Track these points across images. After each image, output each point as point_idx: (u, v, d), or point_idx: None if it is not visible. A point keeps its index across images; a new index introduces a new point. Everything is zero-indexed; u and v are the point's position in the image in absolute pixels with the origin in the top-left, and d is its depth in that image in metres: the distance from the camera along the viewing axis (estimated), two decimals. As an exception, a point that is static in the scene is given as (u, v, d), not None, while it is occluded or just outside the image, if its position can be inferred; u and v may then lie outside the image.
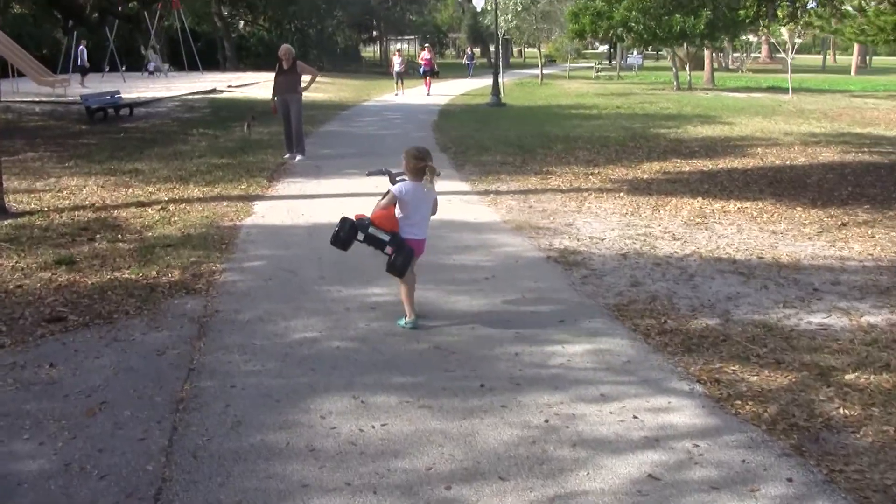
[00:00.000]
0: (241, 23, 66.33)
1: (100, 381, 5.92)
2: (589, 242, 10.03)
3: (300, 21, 60.90)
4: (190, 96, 33.02)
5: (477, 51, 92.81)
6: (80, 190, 13.52)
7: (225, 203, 12.30)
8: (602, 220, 11.31)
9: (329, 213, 11.29)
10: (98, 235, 10.28)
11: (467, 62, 58.24)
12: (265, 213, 11.57)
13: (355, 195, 12.44)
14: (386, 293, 7.89)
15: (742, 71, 63.17)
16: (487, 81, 46.58)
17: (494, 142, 19.50)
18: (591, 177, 14.96)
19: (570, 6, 44.06)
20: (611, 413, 5.39)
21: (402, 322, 7.12)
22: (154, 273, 8.57)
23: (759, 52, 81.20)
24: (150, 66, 45.99)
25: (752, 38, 59.66)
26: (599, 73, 58.75)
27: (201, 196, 12.92)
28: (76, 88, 31.72)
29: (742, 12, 41.30)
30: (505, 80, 48.92)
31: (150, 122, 24.85)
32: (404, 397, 5.61)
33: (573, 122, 25.11)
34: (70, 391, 5.76)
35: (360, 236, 7.10)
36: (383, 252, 7.12)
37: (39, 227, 10.75)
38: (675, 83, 42.43)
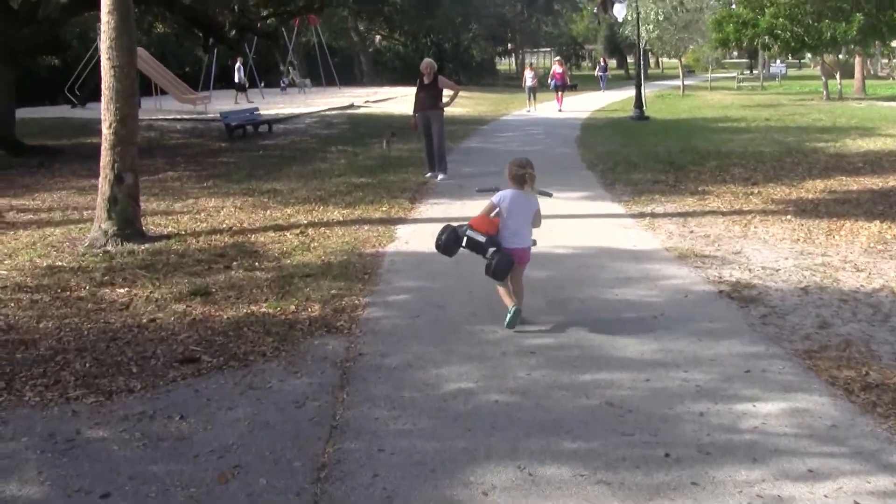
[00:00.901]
0: (377, 37, 66.59)
1: (233, 438, 5.32)
2: (762, 274, 9.08)
3: (436, 35, 60.65)
4: (328, 112, 32.88)
5: (613, 62, 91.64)
6: (217, 212, 13.15)
7: (366, 227, 11.73)
8: (772, 248, 10.33)
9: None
10: (235, 263, 9.80)
11: (600, 74, 54.72)
12: (409, 239, 10.94)
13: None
14: (545, 334, 7.14)
15: (894, 78, 60.42)
16: (622, 94, 45.68)
17: (643, 158, 18.55)
18: (751, 197, 13.92)
19: (714, 15, 42.79)
20: (826, 497, 4.51)
21: (507, 315, 7.27)
22: (293, 307, 7.99)
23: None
24: (284, 82, 46.22)
25: (903, 44, 56.79)
26: (742, 84, 56.90)
27: (341, 219, 12.38)
28: (216, 105, 31.88)
29: (899, 15, 39.55)
30: (645, 91, 47.93)
31: (289, 139, 24.65)
32: (578, 469, 4.83)
33: (722, 135, 23.90)
34: (201, 450, 5.17)
35: (463, 241, 7.33)
36: (484, 257, 7.27)
37: (176, 253, 10.34)
38: (824, 93, 40.56)
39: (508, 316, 7.23)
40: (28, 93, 31.79)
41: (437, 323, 7.56)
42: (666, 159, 18.26)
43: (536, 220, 7.47)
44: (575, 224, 11.86)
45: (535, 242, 7.62)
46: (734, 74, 67.90)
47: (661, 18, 43.38)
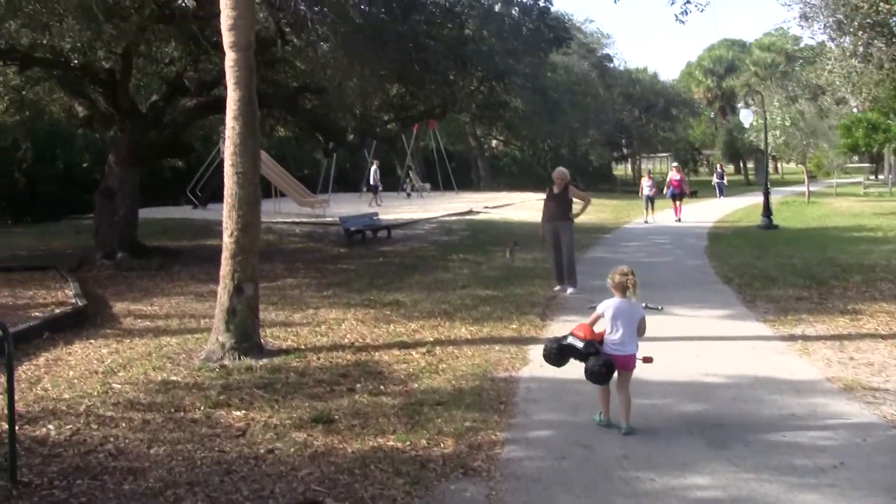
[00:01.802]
0: (494, 142, 66.64)
1: None
2: (947, 412, 8.06)
3: (554, 140, 60.37)
4: (446, 218, 32.52)
5: (730, 168, 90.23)
6: (338, 324, 12.57)
7: (497, 347, 10.96)
8: (950, 380, 9.28)
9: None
10: (358, 385, 9.13)
11: (717, 181, 51.86)
12: (543, 362, 10.11)
13: (642, 339, 10.87)
14: (713, 487, 6.25)
15: None
16: (742, 201, 44.41)
17: (780, 271, 17.50)
18: (910, 317, 12.84)
19: (843, 120, 41.62)
20: None
21: (597, 417, 7.71)
22: (423, 441, 7.24)
23: None
24: (406, 187, 46.24)
25: None
26: (868, 189, 55.02)
27: (469, 337, 11.66)
28: (335, 208, 31.77)
29: None
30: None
31: (409, 246, 24.21)
32: None
33: (860, 246, 22.64)
34: None
35: (559, 345, 7.76)
36: (583, 361, 7.55)
37: (296, 371, 9.73)
38: (964, 201, 38.84)
39: (596, 419, 7.70)
40: (151, 193, 32.18)
41: (585, 467, 6.72)
42: (805, 273, 17.18)
43: (641, 327, 7.66)
44: (722, 348, 10.92)
45: (650, 360, 7.81)
46: (859, 180, 65.99)
47: (787, 124, 42.30)
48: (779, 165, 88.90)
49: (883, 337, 11.44)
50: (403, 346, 11.07)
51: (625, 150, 76.59)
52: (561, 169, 15.99)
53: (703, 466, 6.62)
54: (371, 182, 39.79)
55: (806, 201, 44.07)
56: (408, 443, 7.20)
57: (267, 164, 32.07)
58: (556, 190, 15.47)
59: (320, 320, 12.93)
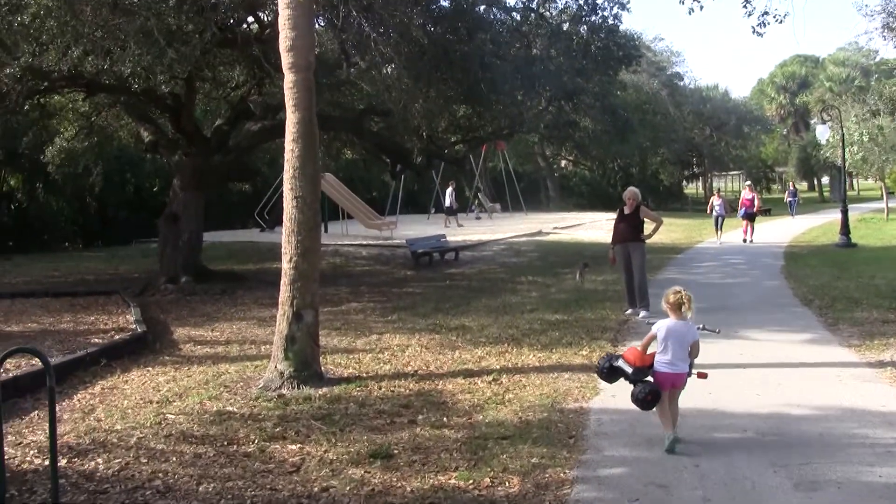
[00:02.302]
0: (563, 162, 66.04)
1: None
2: None
3: (623, 160, 59.65)
4: (515, 239, 32.04)
5: (803, 185, 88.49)
6: (402, 351, 12.16)
7: (566, 375, 10.43)
8: None
9: (695, 390, 9.27)
10: (420, 416, 8.72)
11: (790, 199, 50.24)
12: (616, 392, 9.57)
13: (720, 366, 10.33)
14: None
15: None
16: (817, 219, 43.34)
17: (863, 292, 16.75)
18: None
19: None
20: None
21: (666, 442, 7.53)
22: (487, 479, 6.79)
23: None
24: (475, 209, 45.84)
25: None
26: (949, 207, 53.32)
27: (537, 364, 11.17)
28: (402, 231, 31.48)
29: None
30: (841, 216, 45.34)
31: (476, 268, 23.80)
32: None
33: (947, 266, 21.77)
34: None
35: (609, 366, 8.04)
36: (630, 383, 7.83)
37: (356, 401, 9.34)
38: None
39: (667, 442, 7.50)
40: (218, 218, 32.23)
41: (662, 510, 6.24)
42: (890, 294, 16.42)
43: (694, 349, 7.80)
44: (804, 375, 10.29)
45: (705, 375, 7.93)
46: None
47: (865, 139, 41.16)
48: (854, 182, 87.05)
49: (979, 366, 10.75)
50: (469, 374, 10.63)
51: (695, 169, 75.45)
52: (632, 189, 15.48)
53: (790, 510, 6.11)
54: (448, 204, 39.88)
55: (885, 218, 42.84)
56: (470, 481, 6.75)
57: (334, 186, 32.03)
58: (626, 210, 14.96)
59: (383, 346, 12.56)
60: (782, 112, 78.21)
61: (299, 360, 10.19)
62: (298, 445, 7.81)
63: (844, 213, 29.36)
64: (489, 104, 21.00)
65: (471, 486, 6.66)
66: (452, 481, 6.79)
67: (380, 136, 23.47)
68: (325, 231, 33.25)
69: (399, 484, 6.76)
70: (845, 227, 28.75)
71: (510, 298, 17.39)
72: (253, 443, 7.92)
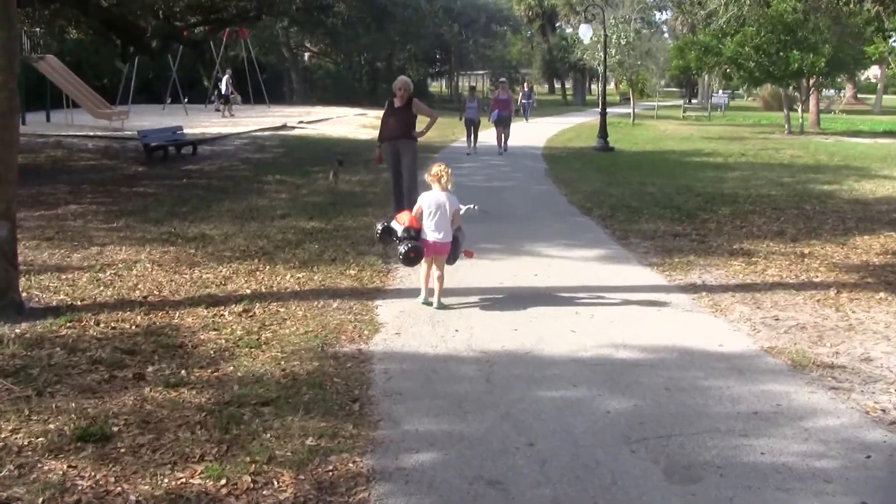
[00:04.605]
0: (307, 55, 63.20)
1: None
2: (936, 398, 6.17)
3: (372, 53, 57.51)
4: (259, 133, 29.60)
5: (544, 88, 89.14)
6: (128, 269, 9.88)
7: (334, 304, 8.48)
8: (905, 346, 7.45)
9: (497, 326, 7.58)
10: (151, 368, 6.57)
11: (524, 102, 44.35)
12: (400, 327, 7.71)
13: (517, 291, 8.70)
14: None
15: (836, 112, 58.11)
16: (565, 122, 42.67)
17: (640, 201, 15.65)
18: (806, 260, 11.08)
19: (676, 42, 40.49)
20: None
21: (420, 299, 8.49)
22: (248, 478, 4.77)
23: (845, 92, 75.04)
24: (213, 101, 42.59)
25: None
26: (686, 113, 54.45)
27: (297, 288, 9.16)
28: (135, 122, 28.42)
29: (870, 48, 37.72)
30: (588, 119, 45.19)
31: (217, 164, 21.38)
32: None
33: (707, 173, 21.11)
34: None
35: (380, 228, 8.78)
36: (397, 244, 8.47)
37: (64, 345, 7.08)
38: (786, 127, 38.08)
39: (421, 298, 8.52)
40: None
41: (502, 524, 4.45)
42: (666, 203, 15.42)
43: (455, 218, 8.50)
44: (618, 305, 8.78)
45: (471, 254, 8.90)
46: (673, 103, 65.92)
47: (622, 42, 40.78)
48: (593, 87, 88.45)
49: (794, 287, 9.59)
50: (212, 301, 8.51)
51: (440, 67, 74.37)
52: (403, 78, 13.39)
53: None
54: (224, 92, 37.83)
55: (632, 123, 42.91)
56: (222, 481, 4.72)
57: (56, 69, 28.65)
58: (397, 103, 12.88)
59: (105, 262, 10.23)
60: (530, 13, 77.55)
61: (-10, 287, 7.82)
62: (-30, 423, 5.56)
63: (603, 115, 28.57)
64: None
65: (223, 491, 4.63)
66: (197, 481, 4.73)
67: (109, 13, 20.50)
68: (48, 120, 29.80)
69: (118, 488, 4.66)
70: (603, 131, 27.87)
71: (257, 201, 15.24)
72: None
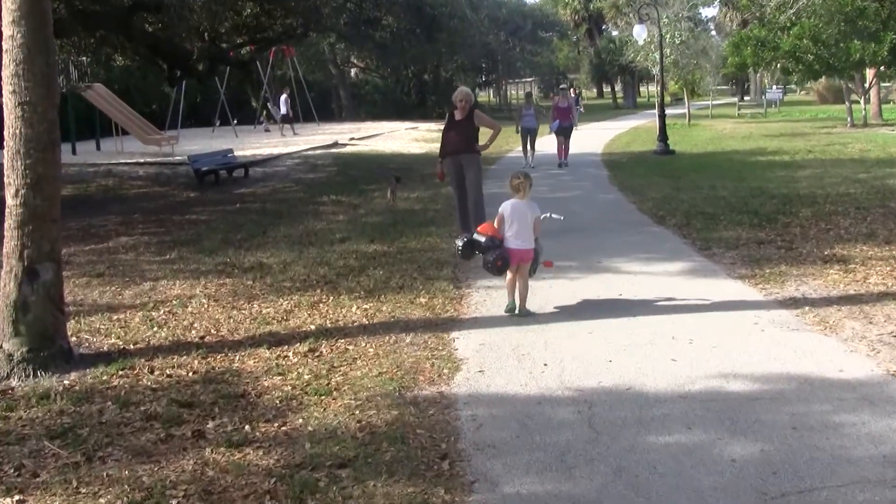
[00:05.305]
0: (353, 70, 62.85)
1: None
2: None
3: (417, 66, 56.97)
4: (310, 152, 29.15)
5: (592, 93, 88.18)
6: (183, 306, 9.26)
7: (407, 338, 7.77)
8: None
9: (589, 357, 6.83)
10: (211, 424, 5.90)
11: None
12: (482, 363, 6.96)
13: (603, 312, 7.94)
14: None
15: (894, 102, 56.60)
16: (609, 129, 41.58)
17: (714, 206, 14.82)
18: (907, 264, 10.22)
19: (730, 38, 39.45)
20: None
21: (508, 305, 8.57)
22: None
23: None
24: (262, 121, 42.20)
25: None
26: (741, 111, 53.29)
27: (365, 321, 8.46)
28: (185, 146, 28.03)
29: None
30: (642, 122, 44.24)
31: (270, 186, 20.86)
32: None
33: (776, 172, 20.22)
34: None
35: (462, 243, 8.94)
36: (483, 254, 8.60)
37: (115, 398, 6.44)
38: (848, 119, 36.88)
39: (507, 305, 8.53)
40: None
41: None
42: (742, 208, 14.57)
43: (537, 226, 8.57)
44: (712, 325, 7.94)
45: (551, 264, 9.04)
46: (726, 101, 64.74)
47: (677, 42, 39.81)
48: (643, 89, 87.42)
49: (899, 297, 8.76)
50: (275, 340, 7.84)
51: (487, 76, 73.81)
52: (464, 89, 12.69)
53: None
54: (283, 112, 38.18)
55: (687, 124, 41.93)
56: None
57: (105, 97, 28.45)
58: (458, 116, 12.17)
59: (159, 299, 9.63)
60: (577, 17, 76.77)
61: (35, 335, 7.22)
62: (14, 499, 4.90)
63: (662, 118, 27.65)
64: (280, -1, 18.05)
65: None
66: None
67: (155, 37, 20.06)
68: (98, 149, 29.56)
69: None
70: (663, 134, 27.04)
71: (314, 224, 14.63)
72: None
